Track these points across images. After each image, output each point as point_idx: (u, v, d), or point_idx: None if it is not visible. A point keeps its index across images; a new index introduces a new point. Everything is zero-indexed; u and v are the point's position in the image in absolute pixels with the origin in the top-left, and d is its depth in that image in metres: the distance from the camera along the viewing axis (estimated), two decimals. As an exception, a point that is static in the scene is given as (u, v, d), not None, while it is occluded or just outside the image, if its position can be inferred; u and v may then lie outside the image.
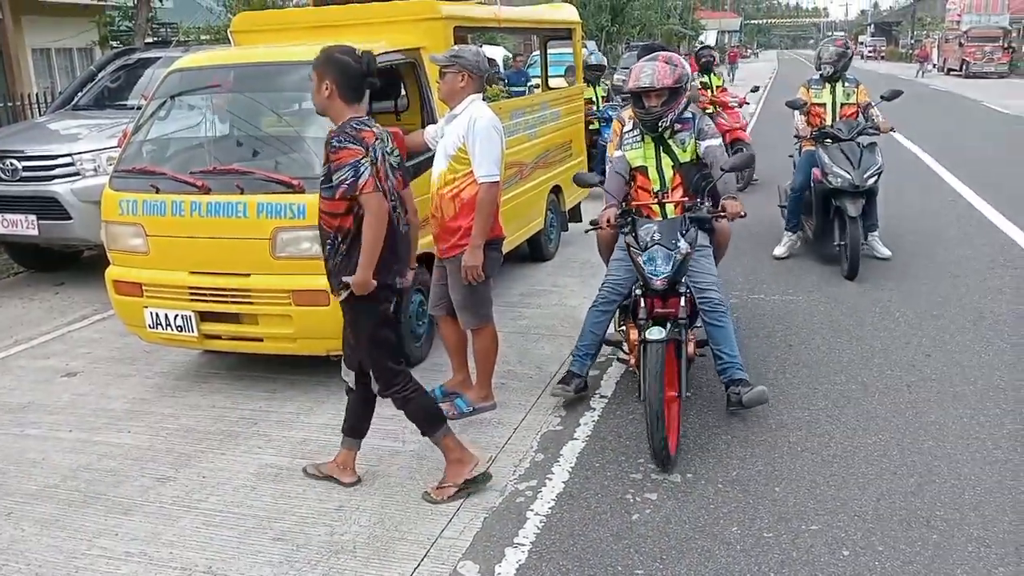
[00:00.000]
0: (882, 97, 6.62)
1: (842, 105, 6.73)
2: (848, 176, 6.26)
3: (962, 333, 5.26)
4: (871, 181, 6.34)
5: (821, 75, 6.85)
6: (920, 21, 64.54)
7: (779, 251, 7.30)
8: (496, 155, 3.95)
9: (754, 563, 3.06)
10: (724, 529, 3.27)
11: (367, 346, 3.41)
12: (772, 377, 4.62)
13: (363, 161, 3.15)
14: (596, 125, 9.98)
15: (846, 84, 6.76)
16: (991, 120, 17.67)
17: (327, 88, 3.25)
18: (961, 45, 38.81)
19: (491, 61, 19.44)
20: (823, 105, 6.79)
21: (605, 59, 9.73)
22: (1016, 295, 5.95)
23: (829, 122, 6.75)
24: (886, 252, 6.93)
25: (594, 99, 10.14)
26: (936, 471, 3.62)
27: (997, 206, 8.84)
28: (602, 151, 8.87)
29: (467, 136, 3.94)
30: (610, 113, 9.50)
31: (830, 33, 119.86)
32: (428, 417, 3.51)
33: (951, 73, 39.83)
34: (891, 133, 7.07)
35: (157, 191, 4.52)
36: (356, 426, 3.66)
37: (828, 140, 6.53)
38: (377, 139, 3.26)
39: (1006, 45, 37.74)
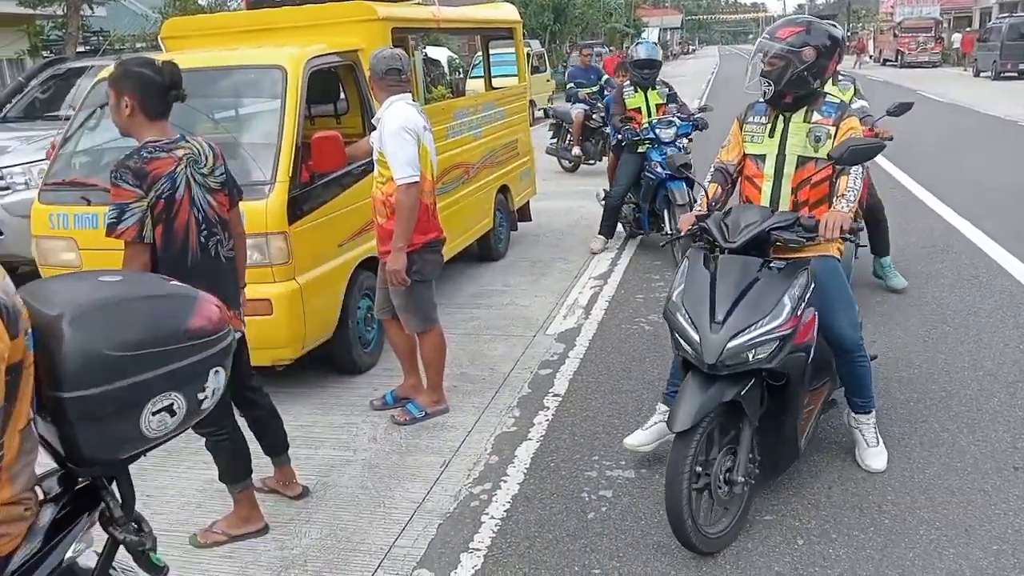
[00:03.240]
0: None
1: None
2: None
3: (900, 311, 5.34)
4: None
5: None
6: (855, 13, 66.01)
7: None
8: (409, 156, 3.87)
9: (710, 556, 3.05)
10: (680, 524, 3.25)
11: None
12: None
13: (132, 206, 2.85)
14: (644, 147, 7.10)
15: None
16: (928, 108, 18.13)
17: (127, 105, 2.92)
18: (895, 36, 39.75)
19: (435, 62, 19.43)
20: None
21: (660, 51, 7.42)
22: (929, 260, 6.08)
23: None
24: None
25: (644, 108, 7.30)
26: (887, 456, 3.66)
27: (933, 191, 9.06)
28: (655, 183, 7.00)
29: (381, 140, 3.89)
30: (671, 129, 7.08)
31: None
32: (235, 467, 3.31)
33: (887, 63, 40.78)
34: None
35: (89, 203, 4.37)
36: (272, 444, 3.55)
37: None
38: (182, 163, 2.97)
39: (938, 36, 38.78)
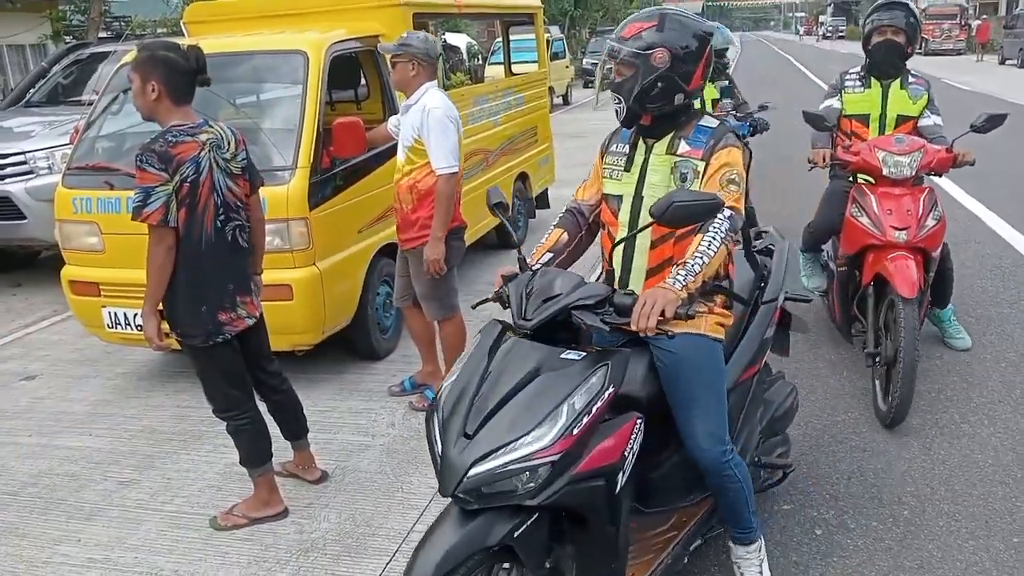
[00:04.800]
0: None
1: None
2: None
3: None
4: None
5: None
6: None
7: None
8: (452, 145, 3.88)
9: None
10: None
11: (201, 381, 3.25)
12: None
13: (158, 189, 2.87)
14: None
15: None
16: (953, 97, 17.90)
17: (153, 89, 2.93)
18: (921, 23, 39.28)
19: (455, 49, 19.40)
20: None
21: (731, 37, 6.32)
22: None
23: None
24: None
25: (698, 103, 6.43)
26: (907, 446, 3.64)
27: (955, 180, 8.97)
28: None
29: (421, 127, 3.86)
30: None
31: (791, 15, 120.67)
32: (256, 451, 3.33)
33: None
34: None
35: (111, 188, 4.40)
36: (292, 429, 3.58)
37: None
38: (206, 148, 2.98)
39: (963, 23, 38.23)
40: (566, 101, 23.21)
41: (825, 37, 69.62)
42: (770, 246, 3.18)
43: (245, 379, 3.29)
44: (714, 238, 2.28)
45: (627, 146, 2.54)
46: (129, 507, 3.54)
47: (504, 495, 2.08)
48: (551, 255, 2.58)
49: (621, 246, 2.50)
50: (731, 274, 2.58)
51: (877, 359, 3.88)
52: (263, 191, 4.07)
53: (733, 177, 2.34)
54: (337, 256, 4.45)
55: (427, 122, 3.85)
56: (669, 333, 2.21)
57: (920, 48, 36.09)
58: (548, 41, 21.04)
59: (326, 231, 4.34)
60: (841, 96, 4.44)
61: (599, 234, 2.72)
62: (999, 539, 3.00)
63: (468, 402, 2.19)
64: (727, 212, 2.28)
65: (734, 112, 5.98)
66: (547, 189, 8.25)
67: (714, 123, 2.46)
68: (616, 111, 2.44)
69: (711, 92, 6.17)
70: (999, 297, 5.43)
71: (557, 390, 2.16)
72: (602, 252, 2.63)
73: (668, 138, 2.46)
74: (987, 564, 2.88)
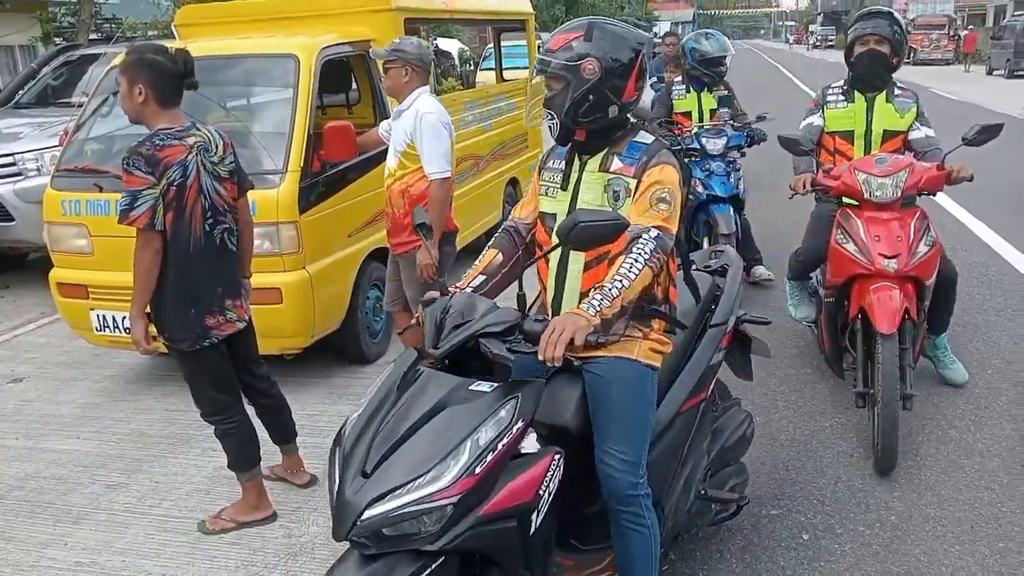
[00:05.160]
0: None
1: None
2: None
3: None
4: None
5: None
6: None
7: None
8: (445, 150, 3.89)
9: (716, 549, 3.06)
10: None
11: (188, 385, 3.24)
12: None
13: (145, 193, 2.86)
14: (686, 158, 5.60)
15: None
16: (940, 106, 18.03)
17: (140, 93, 2.92)
18: (908, 33, 39.54)
19: (446, 54, 19.41)
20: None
21: (728, 44, 5.96)
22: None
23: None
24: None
25: (695, 113, 5.95)
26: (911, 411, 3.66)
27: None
28: (694, 206, 5.64)
29: (414, 132, 3.87)
30: (720, 140, 5.62)
31: (781, 24, 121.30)
32: (244, 455, 3.32)
33: (899, 61, 40.57)
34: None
35: (101, 190, 4.39)
36: (281, 432, 3.57)
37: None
38: (193, 151, 2.98)
39: (951, 33, 38.53)
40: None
41: (815, 46, 70.00)
42: (725, 266, 3.05)
43: (233, 383, 3.28)
44: (636, 259, 2.13)
45: (563, 162, 2.41)
46: (117, 511, 3.53)
47: (405, 539, 1.92)
48: (484, 278, 2.42)
49: (555, 269, 2.39)
50: (672, 298, 2.44)
51: (866, 398, 3.62)
52: (253, 194, 4.08)
53: (664, 196, 2.21)
54: (327, 260, 4.45)
55: (420, 127, 3.86)
56: (575, 362, 2.08)
57: (908, 58, 36.43)
58: (540, 47, 21.07)
59: (316, 235, 4.34)
60: (823, 112, 4.13)
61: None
62: (985, 544, 3.02)
63: (370, 437, 2.04)
64: (654, 232, 2.16)
65: (732, 122, 5.78)
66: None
67: (649, 139, 2.34)
68: (549, 127, 2.33)
69: (709, 101, 5.92)
70: (985, 305, 5.47)
71: (462, 425, 2.00)
72: (538, 275, 2.49)
73: (602, 154, 2.34)
74: (973, 569, 2.90)
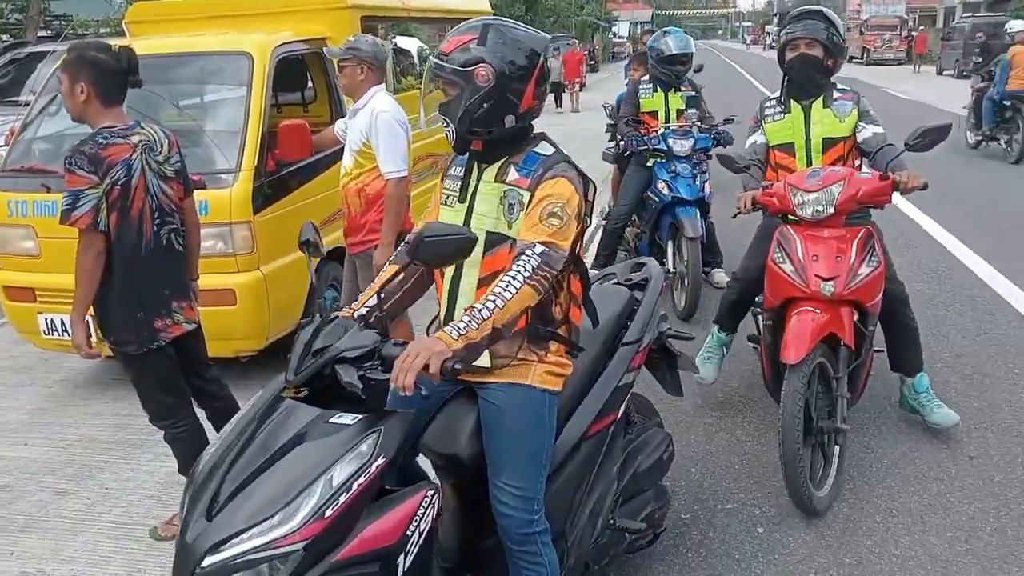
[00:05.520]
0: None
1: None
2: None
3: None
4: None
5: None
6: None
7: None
8: (401, 149, 3.87)
9: (672, 543, 3.08)
10: (643, 513, 3.28)
11: (136, 389, 3.19)
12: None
13: (88, 192, 2.79)
14: (651, 159, 5.59)
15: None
16: (890, 104, 18.42)
17: (82, 91, 2.86)
18: (862, 34, 40.25)
19: (405, 52, 19.37)
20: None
21: (690, 43, 5.72)
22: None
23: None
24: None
25: (662, 113, 5.73)
26: (845, 446, 3.71)
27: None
28: (658, 208, 5.57)
29: (370, 131, 3.84)
30: (687, 141, 5.53)
31: (739, 24, 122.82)
32: (194, 460, 3.29)
33: (852, 61, 41.24)
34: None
35: (48, 190, 4.29)
36: None
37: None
38: (138, 150, 2.92)
39: (903, 34, 39.34)
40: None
41: (771, 47, 71.00)
42: (645, 279, 2.90)
43: (181, 386, 3.23)
44: (515, 278, 1.97)
45: (463, 171, 2.26)
46: (66, 518, 3.45)
47: None
48: (381, 296, 2.27)
49: (447, 284, 2.24)
50: (574, 318, 2.29)
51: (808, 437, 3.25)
52: (206, 194, 4.03)
53: (555, 210, 2.05)
54: (282, 260, 4.40)
55: (376, 126, 3.83)
56: (423, 392, 1.89)
57: (861, 58, 36.97)
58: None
59: (271, 235, 4.29)
60: (763, 127, 3.77)
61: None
62: (933, 534, 3.08)
63: (222, 474, 1.87)
64: (539, 248, 2.00)
65: (699, 124, 5.63)
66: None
67: (549, 150, 2.18)
68: (447, 135, 2.16)
69: (676, 101, 5.71)
70: (935, 300, 5.59)
71: (316, 462, 1.82)
72: (436, 292, 2.34)
73: (499, 164, 2.18)
74: (923, 559, 2.95)
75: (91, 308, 3.01)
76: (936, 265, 6.36)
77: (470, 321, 1.92)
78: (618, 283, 2.88)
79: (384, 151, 3.83)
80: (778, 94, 3.78)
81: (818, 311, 3.23)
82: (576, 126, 17.58)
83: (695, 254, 5.22)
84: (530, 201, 2.11)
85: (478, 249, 2.11)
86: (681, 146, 5.50)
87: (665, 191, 5.47)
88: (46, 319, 4.39)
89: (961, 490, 3.36)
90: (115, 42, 3.20)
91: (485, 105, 2.08)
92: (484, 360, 2.14)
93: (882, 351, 3.83)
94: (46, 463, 3.92)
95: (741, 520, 3.22)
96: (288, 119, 4.45)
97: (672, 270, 5.49)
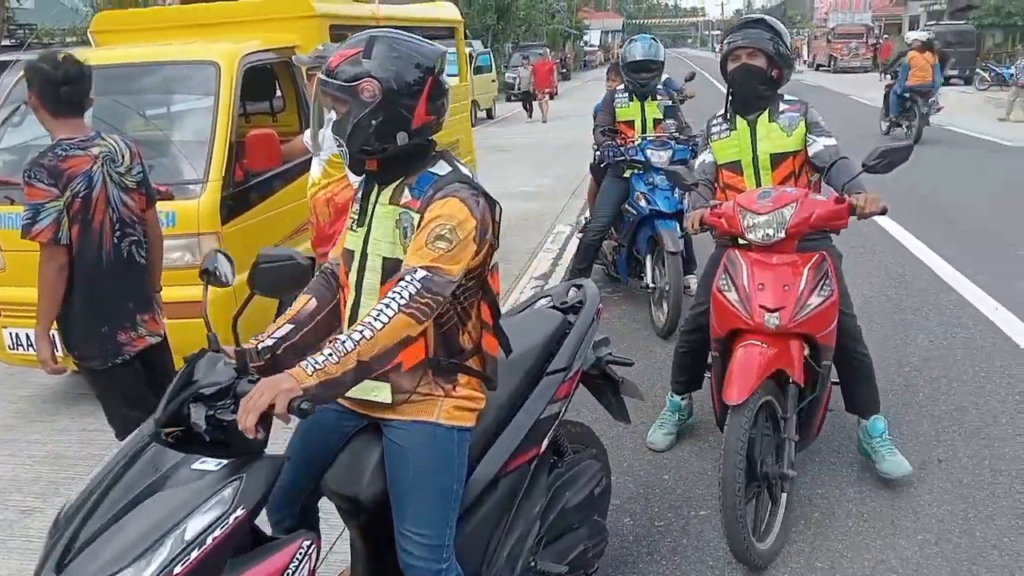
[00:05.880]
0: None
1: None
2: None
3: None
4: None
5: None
6: (790, 19, 67.68)
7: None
8: None
9: (646, 551, 3.09)
10: (617, 520, 3.28)
11: (101, 405, 3.16)
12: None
13: (48, 206, 2.75)
14: (628, 171, 5.49)
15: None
16: (856, 111, 18.68)
17: (33, 102, 2.85)
18: (829, 42, 40.84)
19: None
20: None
21: (657, 49, 5.61)
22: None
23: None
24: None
25: (638, 122, 5.59)
26: (817, 451, 3.75)
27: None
28: (636, 221, 5.44)
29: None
30: (664, 152, 5.37)
31: (707, 33, 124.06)
32: None
33: (820, 69, 41.86)
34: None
35: (11, 202, 4.21)
36: None
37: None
38: (98, 161, 2.88)
39: (869, 42, 39.96)
40: (490, 115, 23.35)
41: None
42: (580, 302, 2.72)
43: (148, 401, 3.17)
44: (387, 306, 1.82)
45: (363, 193, 2.15)
46: (32, 537, 3.38)
47: None
48: (291, 327, 2.14)
49: (348, 312, 2.11)
50: (488, 348, 2.15)
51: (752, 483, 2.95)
52: (174, 205, 3.99)
53: (443, 232, 1.90)
54: (252, 271, 4.35)
55: None
56: (259, 434, 1.72)
57: (829, 65, 37.45)
58: (471, 55, 21.13)
59: (239, 246, 4.21)
60: (710, 145, 3.53)
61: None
62: (904, 537, 3.11)
63: (80, 520, 1.73)
64: (420, 274, 1.86)
65: (677, 134, 5.46)
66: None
67: (445, 170, 2.04)
68: (341, 155, 2.05)
69: (653, 110, 5.55)
70: (902, 304, 5.66)
71: (171, 511, 1.68)
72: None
73: (395, 185, 2.05)
74: (894, 562, 2.98)
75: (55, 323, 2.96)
76: (902, 270, 6.45)
77: (330, 354, 1.76)
78: (553, 306, 2.72)
79: None
80: (723, 110, 3.51)
81: (764, 345, 2.96)
82: (546, 135, 17.65)
83: (676, 269, 5.06)
84: (420, 224, 1.97)
85: (375, 277, 2.03)
86: (659, 157, 5.34)
87: (643, 204, 5.31)
88: (11, 333, 4.31)
89: (930, 493, 3.39)
90: (82, 52, 3.16)
91: (374, 122, 1.95)
92: (385, 395, 2.03)
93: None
94: (12, 480, 3.84)
95: (714, 527, 3.22)
96: (256, 128, 4.41)
97: (652, 285, 5.36)
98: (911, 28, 42.59)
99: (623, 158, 5.42)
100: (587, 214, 6.69)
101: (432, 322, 1.97)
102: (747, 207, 3.06)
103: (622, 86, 5.71)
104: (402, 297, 1.84)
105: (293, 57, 4.66)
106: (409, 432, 2.05)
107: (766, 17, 3.39)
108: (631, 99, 5.61)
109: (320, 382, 1.74)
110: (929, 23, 36.23)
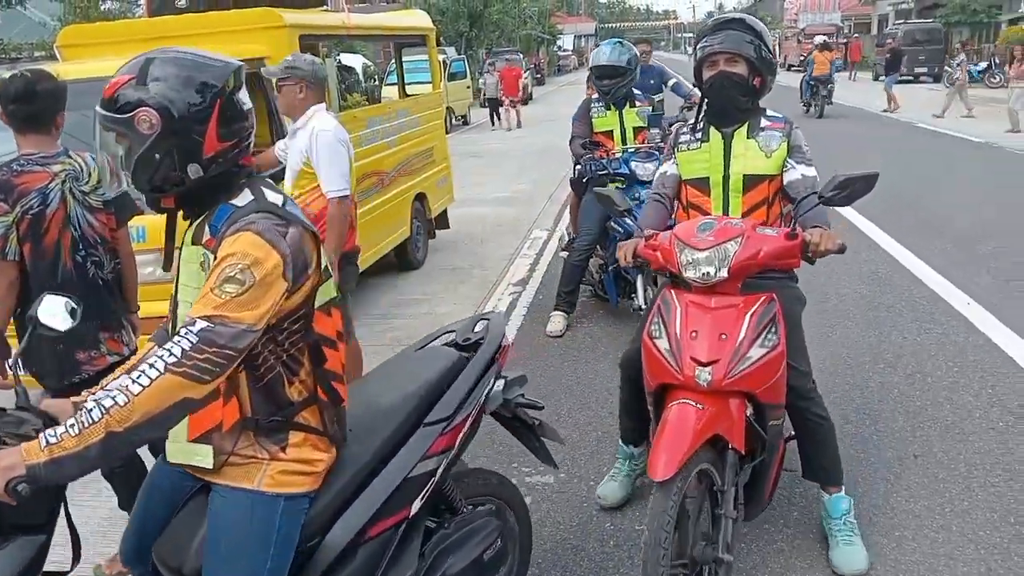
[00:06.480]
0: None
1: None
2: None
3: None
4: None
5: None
6: (762, 20, 68.18)
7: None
8: (343, 168, 3.83)
9: (627, 556, 3.09)
10: (598, 526, 3.29)
11: None
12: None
13: None
14: (612, 185, 5.02)
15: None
16: (829, 111, 18.88)
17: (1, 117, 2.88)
18: (799, 42, 41.28)
19: (350, 69, 19.27)
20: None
21: (631, 53, 5.26)
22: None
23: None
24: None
25: (617, 132, 5.31)
26: (793, 449, 3.76)
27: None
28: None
29: (310, 150, 3.81)
30: (650, 164, 5.01)
31: (680, 36, 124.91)
32: (134, 494, 3.22)
33: (791, 69, 42.28)
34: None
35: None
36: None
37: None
38: (58, 179, 2.85)
39: (839, 41, 40.42)
40: (465, 122, 23.36)
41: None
42: (481, 340, 2.43)
43: None
44: (152, 365, 1.58)
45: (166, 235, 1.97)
46: (3, 560, 3.32)
47: None
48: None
49: None
50: (323, 395, 1.90)
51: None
52: (144, 219, 3.94)
53: (233, 273, 1.65)
54: (226, 285, 4.32)
55: (316, 145, 3.80)
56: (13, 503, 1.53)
57: (799, 66, 37.75)
58: (445, 62, 21.13)
59: (213, 259, 4.21)
60: (675, 155, 3.06)
61: None
62: (881, 533, 3.13)
63: None
64: (198, 325, 1.61)
65: (661, 144, 5.04)
66: (446, 209, 8.26)
67: (246, 199, 1.79)
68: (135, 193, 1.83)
69: (632, 119, 5.24)
70: (876, 301, 5.71)
71: None
72: None
73: (198, 223, 1.84)
74: (872, 559, 2.98)
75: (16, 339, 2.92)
76: (876, 267, 6.51)
77: (72, 425, 1.54)
78: (455, 343, 2.44)
79: (325, 171, 3.79)
80: (694, 119, 3.07)
81: (699, 405, 2.48)
82: (521, 140, 17.68)
83: None
84: (210, 268, 1.72)
85: (185, 309, 1.79)
86: (645, 170, 4.99)
87: (630, 221, 4.87)
88: (-21, 354, 4.23)
89: (907, 489, 3.42)
90: (50, 67, 3.13)
91: (158, 156, 1.73)
92: (206, 460, 1.82)
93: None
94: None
95: (694, 529, 3.23)
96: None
97: (644, 307, 4.93)
98: (880, 27, 43.22)
99: (605, 172, 5.10)
100: (564, 224, 6.50)
101: (246, 375, 1.77)
102: (685, 240, 2.62)
103: (596, 94, 5.44)
104: (171, 355, 1.59)
105: (262, 69, 4.63)
106: (227, 500, 1.83)
107: (746, 16, 2.92)
108: (607, 108, 5.30)
109: (52, 459, 1.52)
110: (898, 21, 36.73)
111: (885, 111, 19.37)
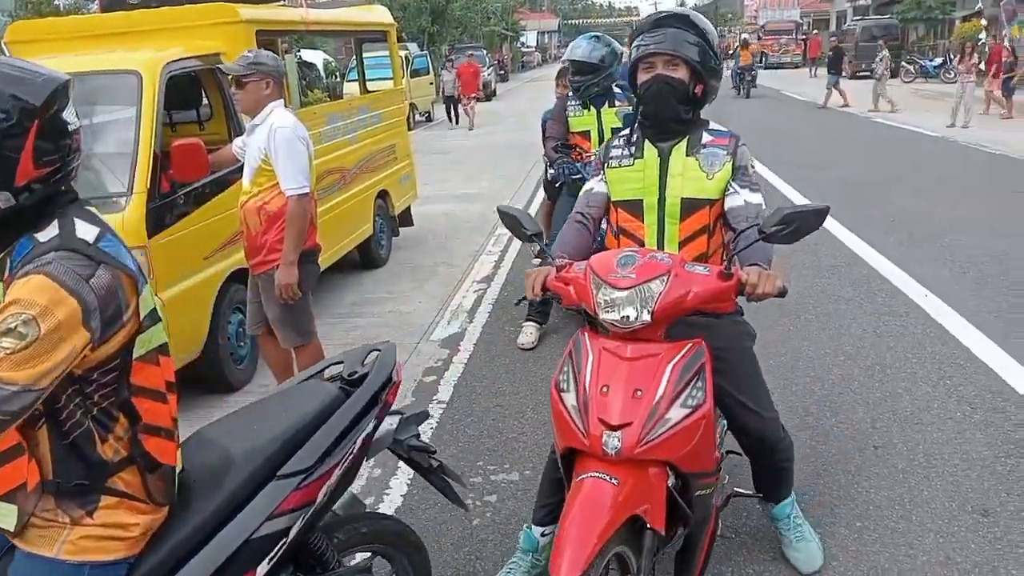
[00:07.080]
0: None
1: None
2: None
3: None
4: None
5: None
6: (723, 17, 68.89)
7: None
8: (302, 165, 3.77)
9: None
10: (563, 524, 3.27)
11: None
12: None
13: None
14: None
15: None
16: (791, 107, 19.09)
17: None
18: (760, 39, 41.73)
19: (310, 66, 19.07)
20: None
21: (606, 51, 4.87)
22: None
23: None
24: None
25: (594, 133, 4.97)
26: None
27: (791, 183, 9.53)
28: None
29: (269, 147, 3.74)
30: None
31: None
32: None
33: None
34: None
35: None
36: None
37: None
38: None
39: (798, 38, 40.92)
40: (429, 118, 23.25)
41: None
42: (367, 374, 2.19)
43: None
44: None
45: None
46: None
47: None
48: None
49: None
50: (154, 453, 1.71)
51: None
52: (126, 215, 3.87)
53: (13, 325, 1.44)
54: (181, 285, 4.25)
55: (274, 142, 3.73)
56: None
57: (760, 62, 38.28)
58: (408, 58, 20.97)
59: (168, 259, 4.13)
60: (603, 172, 2.68)
61: None
62: (843, 524, 3.16)
63: None
64: None
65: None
66: (410, 206, 8.20)
67: (50, 234, 1.56)
68: None
69: (611, 119, 4.90)
70: (836, 294, 5.78)
71: None
72: None
73: (2, 256, 1.61)
74: (834, 550, 3.01)
75: None
76: (835, 260, 6.59)
77: None
78: (342, 376, 2.19)
79: (284, 168, 3.73)
80: (628, 131, 2.68)
81: (612, 479, 2.07)
82: (486, 137, 17.65)
83: None
84: None
85: None
86: None
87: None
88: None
89: (868, 480, 3.45)
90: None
91: None
92: (9, 522, 1.61)
93: (739, 454, 2.90)
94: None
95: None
96: (182, 139, 4.30)
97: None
98: (839, 23, 43.82)
99: (580, 176, 4.76)
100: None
101: (48, 432, 1.57)
102: (602, 276, 2.22)
103: (571, 93, 5.07)
104: None
105: (224, 65, 4.55)
106: (25, 567, 1.65)
107: (690, 13, 2.55)
108: (585, 107, 4.95)
109: None
110: (855, 18, 37.24)
111: (844, 106, 19.68)
